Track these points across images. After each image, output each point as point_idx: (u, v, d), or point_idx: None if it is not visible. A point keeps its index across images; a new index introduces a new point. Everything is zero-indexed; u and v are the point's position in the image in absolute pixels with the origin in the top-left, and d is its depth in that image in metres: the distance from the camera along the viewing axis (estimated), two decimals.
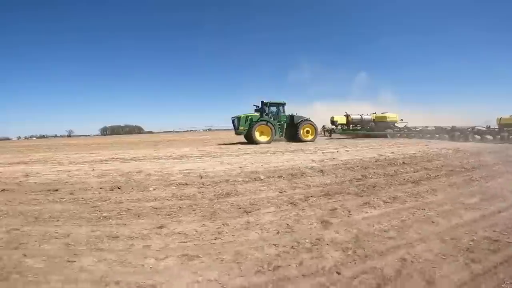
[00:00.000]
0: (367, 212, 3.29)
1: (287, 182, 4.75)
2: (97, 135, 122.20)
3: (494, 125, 14.20)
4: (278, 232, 2.76)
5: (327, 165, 6.23)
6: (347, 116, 19.19)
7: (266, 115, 15.28)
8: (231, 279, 1.97)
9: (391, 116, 18.58)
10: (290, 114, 15.94)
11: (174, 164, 7.08)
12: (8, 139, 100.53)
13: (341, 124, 19.46)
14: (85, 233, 2.75)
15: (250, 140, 14.81)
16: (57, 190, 4.43)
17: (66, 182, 5.07)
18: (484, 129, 14.15)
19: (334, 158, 7.44)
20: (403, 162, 6.47)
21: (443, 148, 9.64)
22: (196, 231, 2.79)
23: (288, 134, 15.83)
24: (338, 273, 2.01)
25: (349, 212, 3.30)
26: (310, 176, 5.14)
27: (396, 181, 4.79)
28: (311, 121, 15.88)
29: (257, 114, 15.43)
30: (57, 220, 3.13)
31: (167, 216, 3.23)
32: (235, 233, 2.77)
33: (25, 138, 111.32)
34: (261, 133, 14.73)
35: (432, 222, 2.96)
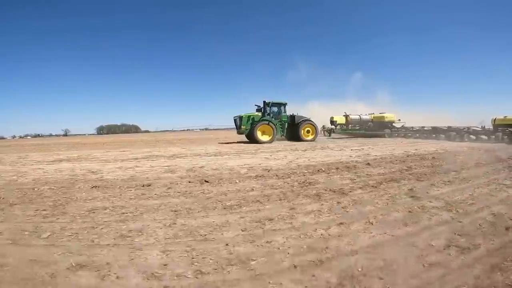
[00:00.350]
0: (438, 190, 4.01)
1: (348, 172, 5.39)
2: (93, 134, 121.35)
3: (488, 125, 14.59)
4: (387, 204, 3.39)
5: (369, 159, 7.08)
6: (346, 116, 19.55)
7: (267, 115, 15.53)
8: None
9: (389, 116, 18.97)
10: (291, 114, 16.24)
11: (226, 160, 7.70)
12: (2, 138, 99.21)
13: (340, 124, 19.82)
14: (239, 220, 2.95)
15: (252, 139, 15.03)
16: (149, 185, 4.59)
17: (147, 178, 5.30)
18: (479, 129, 14.56)
19: (368, 154, 8.39)
20: (433, 157, 7.30)
21: (457, 146, 10.78)
22: (319, 210, 3.23)
23: (289, 134, 16.10)
24: (460, 222, 2.78)
25: (426, 191, 3.97)
26: (362, 168, 5.84)
27: (438, 170, 5.45)
28: (311, 121, 16.18)
29: (259, 113, 15.68)
30: (198, 212, 3.24)
31: (285, 201, 3.61)
32: (355, 205, 3.36)
33: (20, 137, 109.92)
34: (263, 133, 14.98)
35: (491, 195, 3.73)
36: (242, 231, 2.65)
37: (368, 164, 6.31)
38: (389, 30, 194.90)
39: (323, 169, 5.72)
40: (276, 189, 4.23)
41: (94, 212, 3.26)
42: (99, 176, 5.63)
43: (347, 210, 3.21)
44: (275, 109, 15.98)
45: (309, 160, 7.37)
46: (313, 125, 16.20)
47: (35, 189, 4.58)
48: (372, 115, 19.56)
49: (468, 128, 14.84)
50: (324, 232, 2.58)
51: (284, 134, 15.98)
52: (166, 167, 6.56)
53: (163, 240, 2.46)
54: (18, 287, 1.78)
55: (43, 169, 6.99)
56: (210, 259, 2.10)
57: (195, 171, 5.94)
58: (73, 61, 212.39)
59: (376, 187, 4.20)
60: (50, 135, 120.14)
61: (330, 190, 4.06)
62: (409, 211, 3.12)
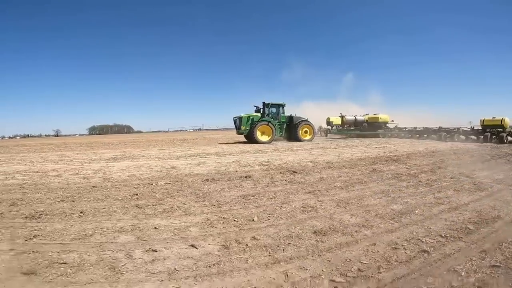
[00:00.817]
0: (476, 173, 5.21)
1: (398, 163, 6.59)
2: (83, 134, 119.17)
3: (477, 126, 15.25)
4: (456, 190, 4.16)
5: (398, 155, 8.19)
6: (342, 117, 20.02)
7: (267, 115, 15.81)
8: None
9: (383, 117, 19.52)
10: (289, 114, 16.55)
11: (285, 156, 8.78)
12: None
13: (337, 125, 20.29)
14: (363, 193, 3.95)
15: (251, 139, 15.26)
16: (250, 176, 5.22)
17: (245, 171, 5.92)
18: (468, 129, 15.22)
19: (397, 150, 9.83)
20: (453, 153, 8.65)
21: (461, 144, 12.21)
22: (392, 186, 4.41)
23: (287, 134, 16.41)
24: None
25: (471, 173, 5.26)
26: (404, 160, 7.13)
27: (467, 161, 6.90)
28: (309, 121, 16.55)
29: (258, 114, 15.93)
30: (331, 190, 4.20)
31: (377, 182, 4.72)
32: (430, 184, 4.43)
33: (9, 137, 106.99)
34: (262, 133, 15.25)
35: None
36: (379, 196, 3.83)
37: (397, 160, 7.31)
38: (380, 32, 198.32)
39: (375, 161, 6.98)
40: (355, 175, 5.21)
41: (244, 198, 3.82)
42: (188, 171, 6.08)
43: (418, 186, 4.36)
44: (273, 110, 16.26)
45: (351, 155, 8.56)
46: (311, 126, 16.57)
47: (153, 184, 4.84)
48: (367, 116, 20.09)
49: (458, 128, 15.50)
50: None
51: (283, 135, 16.28)
52: (228, 164, 7.17)
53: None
54: None
55: (121, 167, 7.19)
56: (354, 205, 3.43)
57: (269, 164, 6.82)
58: (64, 60, 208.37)
59: (435, 171, 5.53)
60: (40, 136, 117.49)
61: (409, 174, 5.32)
62: (468, 189, 4.11)
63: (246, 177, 5.17)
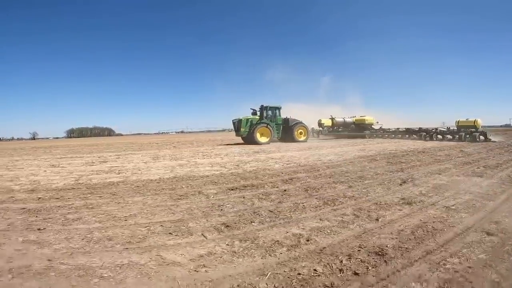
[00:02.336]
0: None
1: (400, 158, 7.74)
2: (58, 137, 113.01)
3: (452, 126, 16.82)
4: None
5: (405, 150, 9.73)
6: (332, 119, 21.08)
7: (265, 118, 16.37)
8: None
9: (369, 119, 20.81)
10: (285, 117, 17.23)
11: (323, 152, 10.02)
12: None
13: (327, 126, 21.32)
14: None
15: (250, 141, 15.71)
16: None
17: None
18: (445, 130, 16.74)
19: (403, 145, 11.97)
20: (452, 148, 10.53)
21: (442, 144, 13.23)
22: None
23: (283, 135, 17.06)
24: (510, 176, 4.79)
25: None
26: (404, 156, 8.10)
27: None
28: (303, 123, 17.31)
29: (256, 116, 16.45)
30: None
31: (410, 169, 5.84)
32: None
33: None
34: (261, 135, 15.77)
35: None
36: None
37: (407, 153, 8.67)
38: (359, 35, 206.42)
39: (378, 158, 7.74)
40: (383, 166, 6.27)
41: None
42: (249, 167, 6.66)
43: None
44: (270, 112, 16.86)
45: (365, 151, 9.81)
46: (305, 127, 17.35)
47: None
48: (354, 118, 21.30)
49: (436, 129, 17.00)
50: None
51: (279, 136, 16.90)
52: (270, 162, 7.64)
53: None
54: None
55: (169, 166, 7.32)
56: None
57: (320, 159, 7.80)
58: (40, 62, 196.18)
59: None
60: (12, 139, 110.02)
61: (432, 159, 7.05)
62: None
63: (312, 170, 6.04)
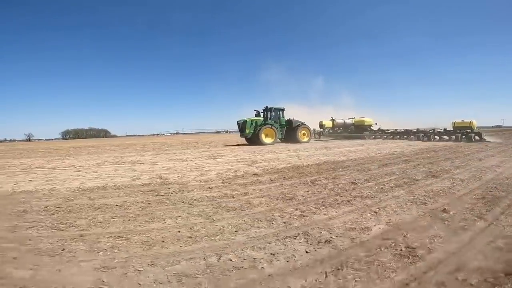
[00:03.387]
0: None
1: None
2: (57, 139, 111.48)
3: (449, 127, 17.39)
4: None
5: (411, 150, 10.16)
6: (332, 120, 21.53)
7: (269, 119, 16.67)
8: None
9: (368, 120, 21.32)
10: (288, 118, 17.56)
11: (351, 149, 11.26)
12: None
13: (328, 128, 21.75)
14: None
15: (255, 141, 15.98)
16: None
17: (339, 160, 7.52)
18: (442, 131, 17.30)
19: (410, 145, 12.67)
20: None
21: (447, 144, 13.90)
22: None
23: (286, 136, 17.38)
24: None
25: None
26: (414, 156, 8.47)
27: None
28: (306, 125, 17.66)
29: (260, 118, 16.74)
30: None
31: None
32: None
33: None
34: (266, 135, 16.05)
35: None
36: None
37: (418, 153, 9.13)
38: (351, 37, 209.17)
39: (404, 158, 8.12)
40: (401, 164, 6.75)
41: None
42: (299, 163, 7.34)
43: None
44: (274, 114, 17.17)
45: (379, 150, 10.55)
46: (308, 129, 17.70)
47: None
48: (354, 119, 21.79)
49: (434, 130, 17.55)
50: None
51: (283, 137, 17.21)
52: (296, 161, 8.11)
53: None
54: None
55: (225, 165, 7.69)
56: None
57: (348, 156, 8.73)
58: (35, 62, 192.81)
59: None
60: (5, 140, 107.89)
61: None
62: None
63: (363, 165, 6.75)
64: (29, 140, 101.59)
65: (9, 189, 4.86)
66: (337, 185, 4.44)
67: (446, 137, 16.53)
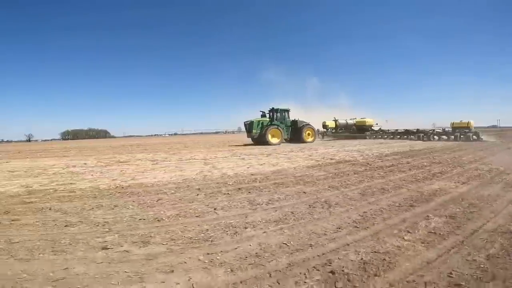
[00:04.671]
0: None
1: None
2: (57, 139, 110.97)
3: (447, 127, 17.97)
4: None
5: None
6: (335, 121, 22.05)
7: (275, 120, 17.12)
8: None
9: (369, 121, 21.85)
10: (294, 119, 18.00)
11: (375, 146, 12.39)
12: None
13: (331, 128, 22.25)
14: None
15: (261, 142, 16.36)
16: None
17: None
18: (440, 131, 17.87)
19: (412, 146, 12.61)
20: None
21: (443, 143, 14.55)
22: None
23: (292, 137, 17.82)
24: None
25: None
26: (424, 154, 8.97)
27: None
28: (311, 125, 18.12)
29: (266, 119, 17.18)
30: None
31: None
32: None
33: None
34: (273, 136, 16.47)
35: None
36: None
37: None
38: (350, 39, 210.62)
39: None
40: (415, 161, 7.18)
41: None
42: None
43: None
44: (279, 114, 17.61)
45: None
46: (313, 129, 18.17)
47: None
48: (356, 120, 22.31)
49: (433, 130, 18.12)
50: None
51: (289, 137, 17.64)
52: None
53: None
54: None
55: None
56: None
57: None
58: (35, 62, 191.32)
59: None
60: (2, 141, 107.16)
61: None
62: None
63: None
64: (29, 140, 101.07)
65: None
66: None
67: (445, 137, 17.08)
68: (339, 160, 7.69)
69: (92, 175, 6.32)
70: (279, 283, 1.64)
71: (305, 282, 1.64)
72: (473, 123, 16.20)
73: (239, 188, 4.34)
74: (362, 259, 1.89)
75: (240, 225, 2.67)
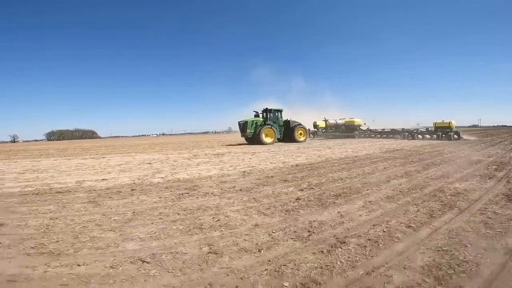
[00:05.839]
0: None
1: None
2: (42, 140, 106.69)
3: (430, 127, 18.80)
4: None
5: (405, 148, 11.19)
6: (325, 121, 22.54)
7: (269, 119, 17.35)
8: None
9: (357, 120, 22.49)
10: (286, 119, 18.30)
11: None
12: None
13: (321, 128, 22.73)
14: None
15: (255, 141, 16.54)
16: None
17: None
18: (424, 130, 18.69)
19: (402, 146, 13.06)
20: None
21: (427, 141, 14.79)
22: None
23: (284, 136, 18.11)
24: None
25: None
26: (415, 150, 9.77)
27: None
28: (303, 125, 18.48)
29: (260, 118, 17.38)
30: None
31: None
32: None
33: None
34: (266, 135, 16.69)
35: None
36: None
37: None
38: (335, 41, 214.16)
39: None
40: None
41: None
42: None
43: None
44: (272, 114, 17.86)
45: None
46: (305, 129, 18.52)
47: None
48: (345, 120, 22.91)
49: (417, 129, 18.92)
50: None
51: (281, 137, 17.92)
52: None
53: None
54: None
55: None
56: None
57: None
58: (18, 62, 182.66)
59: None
60: None
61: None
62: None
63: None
64: (14, 141, 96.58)
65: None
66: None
67: (428, 136, 17.90)
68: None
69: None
70: None
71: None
72: (454, 123, 17.03)
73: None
74: None
75: None
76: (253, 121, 16.88)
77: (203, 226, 2.61)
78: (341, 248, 2.03)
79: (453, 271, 1.66)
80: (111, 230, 2.57)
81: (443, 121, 17.43)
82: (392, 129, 20.46)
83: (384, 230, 2.36)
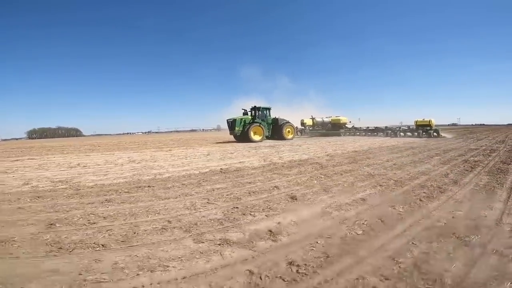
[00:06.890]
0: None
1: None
2: (22, 138, 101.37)
3: (412, 125, 19.42)
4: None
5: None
6: (312, 119, 22.73)
7: (257, 117, 17.27)
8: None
9: (343, 119, 22.83)
10: (274, 117, 18.30)
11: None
12: None
13: (309, 126, 22.90)
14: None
15: (244, 139, 16.45)
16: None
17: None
18: (406, 128, 19.28)
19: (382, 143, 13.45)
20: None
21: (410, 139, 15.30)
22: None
23: (272, 134, 18.12)
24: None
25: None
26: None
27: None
28: (291, 123, 18.55)
29: (248, 116, 17.28)
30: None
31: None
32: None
33: None
34: (255, 133, 16.62)
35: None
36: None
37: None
38: (322, 41, 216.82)
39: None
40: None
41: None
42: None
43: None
44: (261, 112, 17.80)
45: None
46: (292, 127, 18.60)
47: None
48: (331, 118, 23.20)
49: (399, 127, 19.48)
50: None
51: (270, 135, 17.91)
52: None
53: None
54: None
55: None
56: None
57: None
58: None
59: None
60: None
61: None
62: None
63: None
64: None
65: None
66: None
67: (409, 134, 18.49)
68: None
69: None
70: None
71: None
72: (434, 121, 17.64)
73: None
74: None
75: None
76: (241, 119, 16.74)
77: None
78: None
79: None
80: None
81: (423, 119, 18.01)
82: (376, 127, 20.95)
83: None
